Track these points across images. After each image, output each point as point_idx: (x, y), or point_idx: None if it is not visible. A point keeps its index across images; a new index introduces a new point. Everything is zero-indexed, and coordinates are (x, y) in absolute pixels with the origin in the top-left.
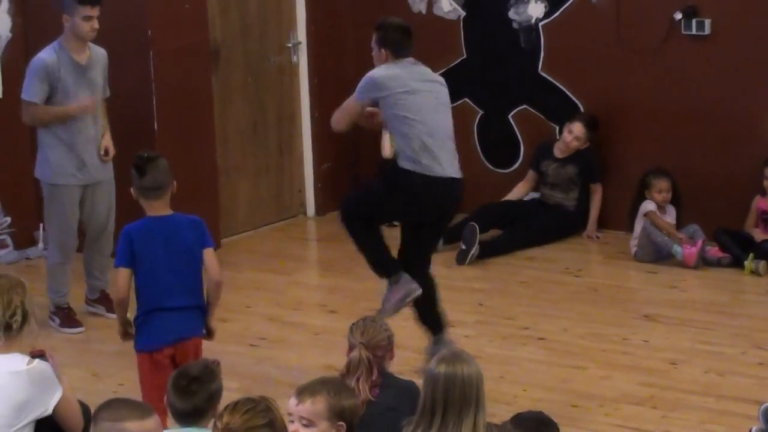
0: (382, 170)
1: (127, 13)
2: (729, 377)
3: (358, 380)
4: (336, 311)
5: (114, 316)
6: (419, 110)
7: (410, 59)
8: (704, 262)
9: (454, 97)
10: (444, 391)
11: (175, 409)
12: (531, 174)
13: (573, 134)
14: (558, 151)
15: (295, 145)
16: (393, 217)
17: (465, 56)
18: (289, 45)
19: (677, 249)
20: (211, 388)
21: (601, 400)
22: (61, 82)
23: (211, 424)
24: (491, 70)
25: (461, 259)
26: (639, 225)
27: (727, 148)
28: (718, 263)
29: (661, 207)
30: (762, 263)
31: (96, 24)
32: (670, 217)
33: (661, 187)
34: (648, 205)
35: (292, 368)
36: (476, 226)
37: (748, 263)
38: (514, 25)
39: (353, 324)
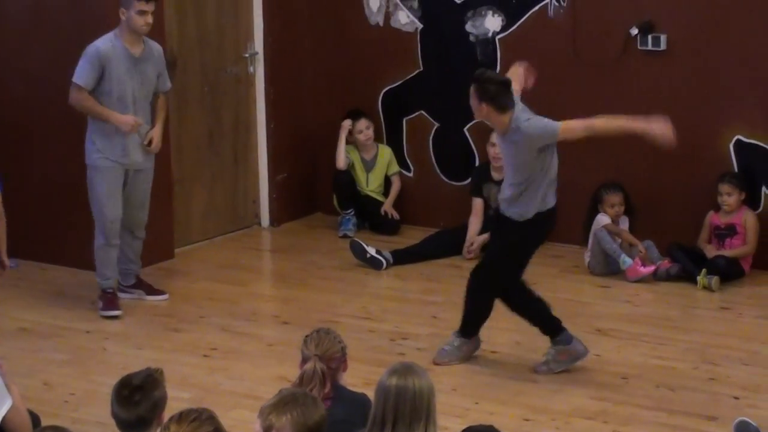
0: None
1: (85, 21)
2: (681, 392)
3: (311, 392)
4: (289, 322)
5: (153, 298)
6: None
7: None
8: (654, 275)
9: (410, 109)
10: (395, 403)
11: (119, 419)
12: (477, 202)
13: (497, 146)
14: (495, 172)
15: (250, 155)
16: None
17: (422, 69)
18: (246, 55)
19: (625, 260)
20: (154, 396)
21: (552, 414)
22: (114, 69)
23: None
24: (448, 82)
25: None
26: (593, 238)
27: (682, 163)
28: (667, 274)
29: (614, 221)
30: (714, 278)
31: (150, 19)
32: (624, 227)
33: (613, 201)
34: (603, 219)
35: (245, 379)
36: None
37: (701, 278)
38: (471, 38)
39: (307, 336)
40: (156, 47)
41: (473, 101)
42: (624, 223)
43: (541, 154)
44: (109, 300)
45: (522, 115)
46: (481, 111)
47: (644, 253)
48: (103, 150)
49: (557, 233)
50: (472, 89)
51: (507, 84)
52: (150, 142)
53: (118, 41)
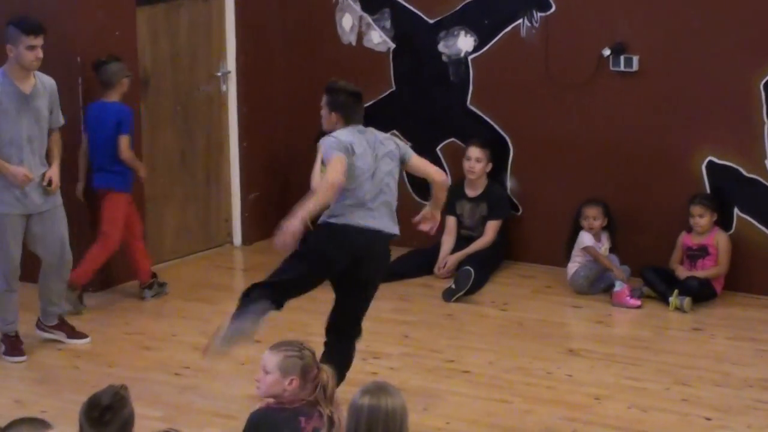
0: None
1: (57, 40)
2: (652, 413)
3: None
4: (261, 341)
5: (74, 341)
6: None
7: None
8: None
9: (383, 128)
10: (367, 423)
11: None
12: (449, 220)
13: (472, 159)
14: (469, 188)
15: (222, 174)
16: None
17: (394, 88)
18: (219, 74)
19: (618, 283)
20: (124, 414)
21: (547, 427)
22: (3, 110)
23: None
24: (420, 102)
25: (448, 296)
26: (577, 254)
27: (654, 184)
28: (640, 293)
29: (595, 235)
30: (686, 299)
31: (40, 53)
32: (604, 243)
33: (589, 214)
34: (585, 239)
35: (217, 397)
36: (472, 271)
37: (673, 299)
38: (444, 58)
39: (304, 347)
40: (48, 81)
41: (324, 110)
42: (604, 240)
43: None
44: (13, 344)
45: (342, 131)
46: (331, 120)
47: (625, 278)
48: (7, 196)
49: (529, 253)
50: (324, 98)
51: (358, 95)
52: (50, 182)
53: (7, 80)
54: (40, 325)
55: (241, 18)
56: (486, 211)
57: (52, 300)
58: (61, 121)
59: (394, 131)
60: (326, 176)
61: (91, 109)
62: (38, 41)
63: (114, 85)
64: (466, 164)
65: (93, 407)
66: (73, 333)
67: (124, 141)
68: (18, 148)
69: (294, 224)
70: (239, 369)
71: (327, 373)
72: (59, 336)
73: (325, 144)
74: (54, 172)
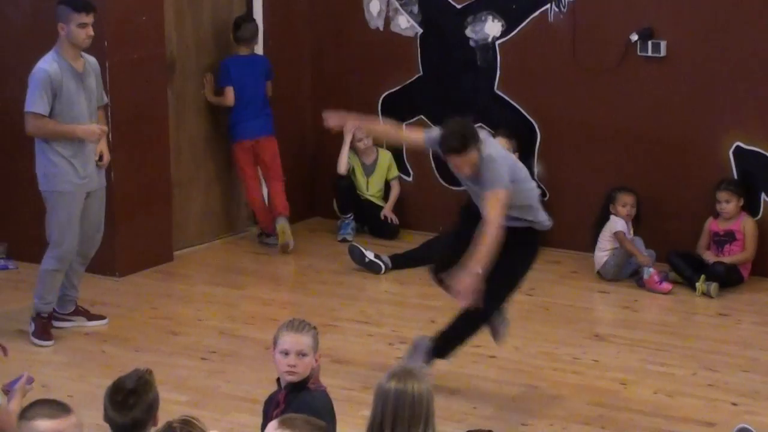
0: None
1: None
2: (678, 398)
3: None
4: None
5: (94, 323)
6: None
7: None
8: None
9: (409, 113)
10: (394, 407)
11: (114, 423)
12: None
13: None
14: None
15: None
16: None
17: (421, 73)
18: None
19: (647, 270)
20: (148, 398)
21: (551, 419)
22: (64, 91)
23: None
24: (447, 87)
25: None
26: (605, 240)
27: (681, 170)
28: (666, 277)
29: (627, 222)
30: (713, 285)
31: (91, 31)
32: (630, 229)
33: (625, 201)
34: (617, 224)
35: (243, 382)
36: None
37: (700, 285)
38: (471, 43)
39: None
40: (92, 60)
41: (463, 158)
42: (630, 226)
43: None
44: (44, 326)
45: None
46: (470, 159)
47: (649, 265)
48: (63, 174)
49: (555, 239)
50: (460, 151)
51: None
52: (101, 157)
53: (62, 59)
54: (57, 317)
55: (269, 2)
56: None
57: (74, 283)
58: (106, 99)
59: (422, 116)
60: (491, 218)
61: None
62: (89, 19)
63: (250, 41)
64: None
65: (117, 391)
66: (91, 315)
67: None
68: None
69: (472, 281)
70: (265, 354)
71: None
72: (79, 321)
73: (494, 176)
74: (104, 147)
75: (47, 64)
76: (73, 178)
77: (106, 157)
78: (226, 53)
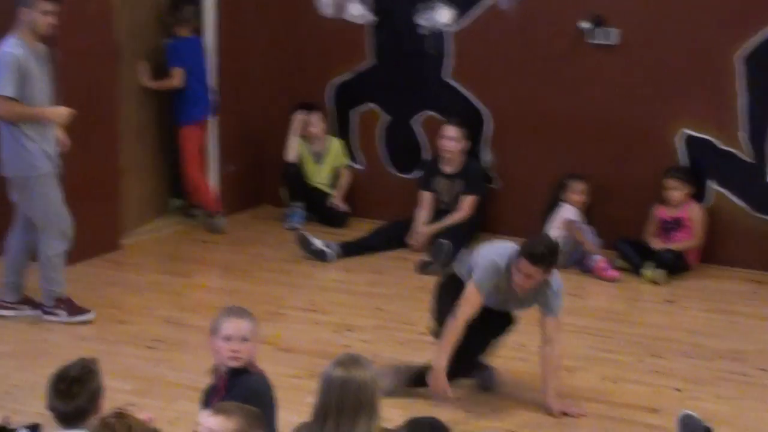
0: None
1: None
2: (624, 384)
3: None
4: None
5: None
6: None
7: None
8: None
9: (361, 102)
10: (339, 395)
11: (58, 411)
12: (425, 195)
13: (448, 138)
14: (446, 165)
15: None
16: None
17: (373, 61)
18: None
19: (596, 257)
20: (92, 387)
21: (496, 405)
22: (31, 74)
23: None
24: (398, 75)
25: (422, 269)
26: (554, 228)
27: (630, 157)
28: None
29: (578, 210)
30: (660, 272)
31: (54, 20)
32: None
33: (577, 188)
34: (568, 212)
35: (189, 370)
36: (448, 243)
37: (647, 272)
38: (422, 31)
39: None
40: (42, 46)
41: (540, 275)
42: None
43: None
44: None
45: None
46: (537, 278)
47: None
48: (37, 157)
49: (505, 226)
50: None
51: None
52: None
53: (24, 43)
54: (1, 305)
55: None
56: (463, 187)
57: (21, 271)
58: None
59: (373, 104)
60: (458, 314)
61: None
62: (54, 8)
63: (191, 22)
64: (442, 142)
65: (61, 380)
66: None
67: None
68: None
69: (440, 377)
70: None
71: None
72: (22, 311)
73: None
74: (63, 133)
75: (12, 47)
76: (46, 160)
77: (66, 141)
78: (166, 36)
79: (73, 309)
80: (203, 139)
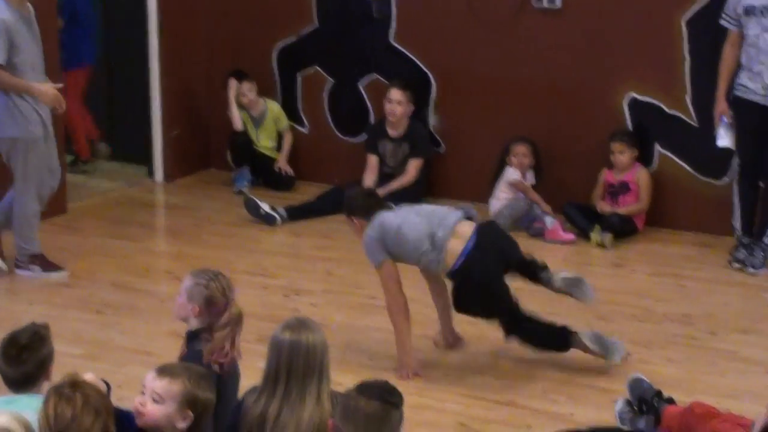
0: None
1: None
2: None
3: (233, 338)
4: (182, 278)
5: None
6: None
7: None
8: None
9: (305, 65)
10: (288, 358)
11: (7, 377)
12: (371, 159)
13: (393, 102)
14: (391, 128)
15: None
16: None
17: (317, 24)
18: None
19: (550, 219)
20: (42, 353)
21: (446, 369)
22: (21, 38)
23: (44, 387)
24: (343, 39)
25: None
26: (501, 191)
27: (576, 121)
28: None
29: (522, 173)
30: (608, 235)
31: None
32: (530, 181)
33: (517, 151)
34: (512, 174)
35: (137, 335)
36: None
37: (595, 235)
38: None
39: (217, 279)
40: (29, 6)
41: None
42: (530, 177)
43: None
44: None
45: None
46: (356, 227)
47: (551, 213)
48: (28, 120)
49: (451, 190)
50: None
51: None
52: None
53: (9, 6)
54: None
55: None
56: (408, 150)
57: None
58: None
59: (317, 67)
60: (387, 302)
61: None
62: None
63: None
64: (387, 106)
65: (11, 345)
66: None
67: None
68: (37, 72)
69: (407, 362)
70: (160, 306)
71: (234, 311)
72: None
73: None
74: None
75: (1, 12)
76: (39, 125)
77: (62, 104)
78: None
79: (47, 265)
80: (84, 83)
